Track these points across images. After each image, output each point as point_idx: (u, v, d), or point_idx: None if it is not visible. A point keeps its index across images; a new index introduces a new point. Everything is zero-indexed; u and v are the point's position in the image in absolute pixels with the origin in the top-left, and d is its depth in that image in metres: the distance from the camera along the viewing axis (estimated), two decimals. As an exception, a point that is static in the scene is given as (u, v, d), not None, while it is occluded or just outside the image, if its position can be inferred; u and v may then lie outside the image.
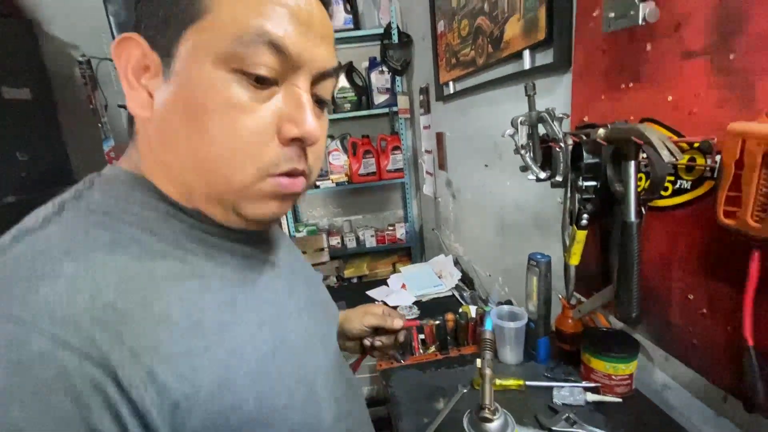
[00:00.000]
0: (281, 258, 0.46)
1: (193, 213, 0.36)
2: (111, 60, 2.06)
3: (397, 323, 0.67)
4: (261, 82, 0.32)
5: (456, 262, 1.75)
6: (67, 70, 2.29)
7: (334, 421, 0.42)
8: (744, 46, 0.51)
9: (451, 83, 1.57)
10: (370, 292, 1.58)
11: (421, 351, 1.05)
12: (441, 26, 1.59)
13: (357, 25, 2.21)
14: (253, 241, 0.41)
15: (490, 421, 0.46)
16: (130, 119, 0.37)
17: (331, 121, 2.37)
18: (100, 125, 2.08)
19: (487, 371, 0.49)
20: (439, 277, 1.65)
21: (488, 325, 0.59)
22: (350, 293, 1.67)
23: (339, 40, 2.25)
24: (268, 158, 0.33)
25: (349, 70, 2.26)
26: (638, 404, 0.74)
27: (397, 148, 2.34)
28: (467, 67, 1.37)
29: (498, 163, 1.32)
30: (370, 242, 2.52)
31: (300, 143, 0.34)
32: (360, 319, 0.67)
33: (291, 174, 0.35)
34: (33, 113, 2.13)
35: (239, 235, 0.38)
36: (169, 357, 0.29)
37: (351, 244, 2.53)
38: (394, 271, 2.06)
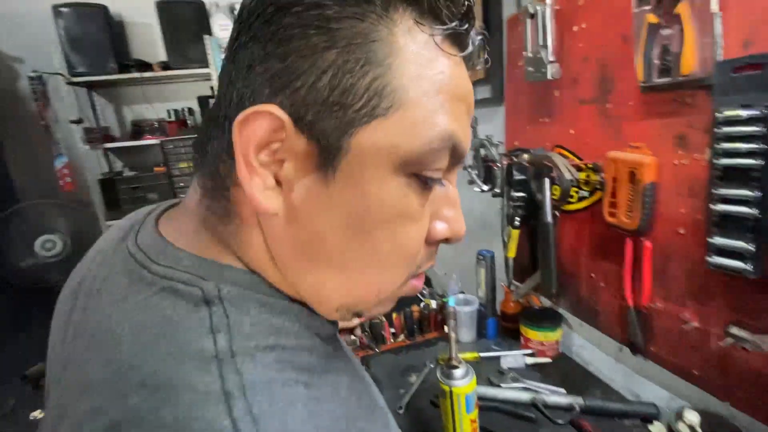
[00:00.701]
0: None
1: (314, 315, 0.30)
2: (61, 75, 2.03)
3: (355, 320, 0.77)
4: (428, 185, 0.27)
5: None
6: (10, 84, 2.20)
7: None
8: (614, 100, 0.75)
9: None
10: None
11: (392, 340, 1.21)
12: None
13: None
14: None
15: (456, 368, 0.63)
16: (211, 193, 0.28)
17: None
18: (52, 142, 2.02)
19: (452, 334, 0.67)
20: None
21: (451, 302, 0.77)
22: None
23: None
24: (417, 263, 0.30)
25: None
26: (563, 362, 0.96)
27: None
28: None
29: (449, 176, 1.53)
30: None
31: (442, 242, 0.31)
32: None
33: (420, 274, 0.32)
34: (-30, 129, 2.02)
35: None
36: None
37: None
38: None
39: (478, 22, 1.14)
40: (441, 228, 0.30)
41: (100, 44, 2.10)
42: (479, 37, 0.28)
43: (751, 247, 0.55)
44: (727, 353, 0.63)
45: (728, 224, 0.58)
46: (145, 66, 2.25)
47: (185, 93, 2.50)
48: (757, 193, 0.53)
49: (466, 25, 0.26)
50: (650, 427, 0.73)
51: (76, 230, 2.21)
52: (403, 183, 0.26)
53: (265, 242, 0.28)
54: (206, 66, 2.17)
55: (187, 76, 2.31)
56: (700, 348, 0.67)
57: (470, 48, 0.27)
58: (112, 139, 2.40)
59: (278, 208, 0.26)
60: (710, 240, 0.60)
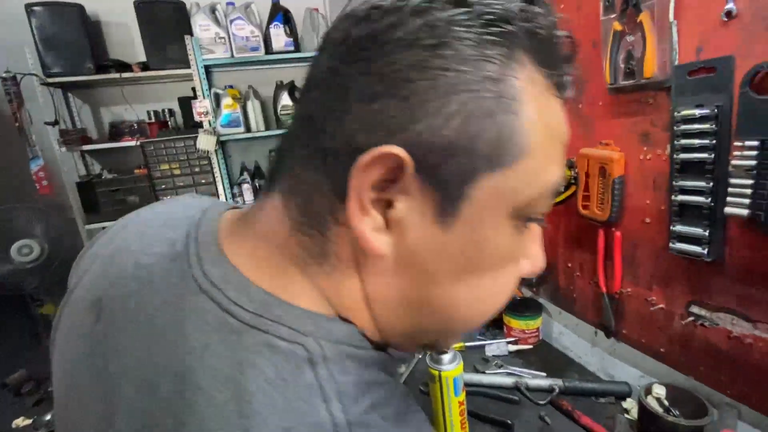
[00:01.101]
0: None
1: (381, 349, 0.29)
2: (36, 75, 1.98)
3: None
4: (527, 225, 0.27)
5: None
6: (-22, 84, 2.12)
7: None
8: (586, 100, 0.80)
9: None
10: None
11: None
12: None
13: (297, 48, 2.37)
14: None
15: (445, 353, 0.67)
16: (299, 230, 0.26)
17: (276, 136, 2.49)
18: (27, 144, 1.97)
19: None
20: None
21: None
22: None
23: (281, 61, 2.39)
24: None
25: (292, 88, 2.40)
26: (544, 348, 1.02)
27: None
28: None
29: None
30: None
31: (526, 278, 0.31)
32: None
33: None
34: (-62, 131, 1.94)
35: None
36: None
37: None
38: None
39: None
40: (525, 265, 0.29)
41: (76, 44, 2.06)
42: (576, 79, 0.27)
43: (705, 233, 0.61)
44: (688, 331, 0.69)
45: (686, 213, 0.64)
46: (124, 66, 2.22)
47: (165, 94, 2.47)
48: (710, 184, 0.59)
49: (574, 70, 0.26)
50: (623, 404, 0.79)
51: (54, 235, 2.16)
52: (514, 226, 0.26)
53: (362, 287, 0.26)
54: (187, 66, 2.15)
55: (167, 77, 2.29)
56: (665, 327, 0.73)
57: (571, 89, 0.27)
58: (90, 141, 2.35)
59: (388, 249, 0.25)
60: (672, 228, 0.66)
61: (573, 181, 0.85)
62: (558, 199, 0.91)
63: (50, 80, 2.05)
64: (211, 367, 0.23)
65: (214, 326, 0.24)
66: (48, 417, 1.26)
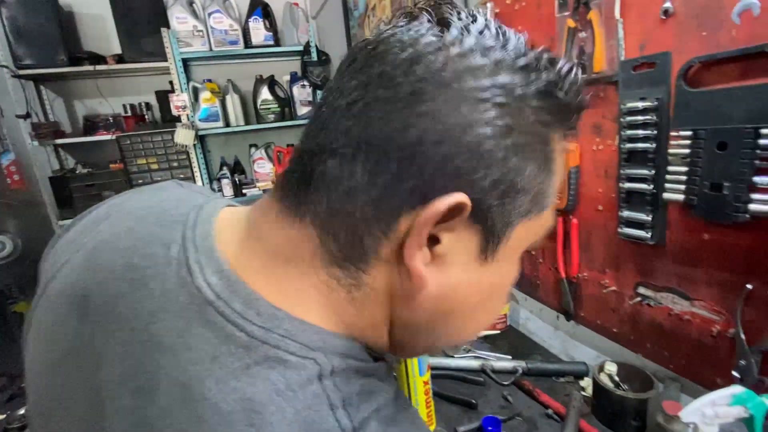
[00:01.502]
0: None
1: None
2: (6, 67, 1.93)
3: None
4: None
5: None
6: (-56, 76, 2.06)
7: None
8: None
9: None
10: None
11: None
12: (356, 51, 1.85)
13: (277, 42, 2.36)
14: None
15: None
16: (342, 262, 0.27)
17: (256, 130, 2.48)
18: (-3, 137, 1.92)
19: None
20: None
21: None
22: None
23: (260, 55, 2.38)
24: None
25: (272, 83, 2.40)
26: (511, 334, 1.06)
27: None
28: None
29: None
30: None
31: None
32: None
33: None
34: None
35: None
36: None
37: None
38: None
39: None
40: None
41: (48, 36, 2.01)
42: None
43: (648, 218, 0.65)
44: (636, 311, 0.73)
45: (633, 200, 0.68)
46: (98, 59, 2.18)
47: (142, 87, 2.43)
48: (652, 172, 0.63)
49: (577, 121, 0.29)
50: (581, 383, 0.84)
51: (27, 230, 2.12)
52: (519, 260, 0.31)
53: (387, 314, 0.29)
54: (164, 59, 2.13)
55: (143, 70, 2.26)
56: (617, 309, 0.78)
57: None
58: (63, 135, 2.30)
59: (435, 282, 0.27)
60: (620, 214, 0.70)
61: (535, 172, 0.89)
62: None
63: (21, 72, 2.01)
64: (218, 378, 0.24)
65: (221, 339, 0.25)
66: (21, 411, 1.25)
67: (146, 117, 2.43)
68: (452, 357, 0.96)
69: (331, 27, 2.20)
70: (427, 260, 0.26)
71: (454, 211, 0.24)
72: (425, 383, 0.74)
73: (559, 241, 0.85)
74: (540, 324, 1.02)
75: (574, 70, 0.26)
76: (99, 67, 2.15)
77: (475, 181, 0.24)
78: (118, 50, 2.19)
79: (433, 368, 0.77)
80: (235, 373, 0.24)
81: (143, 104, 2.43)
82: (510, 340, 1.04)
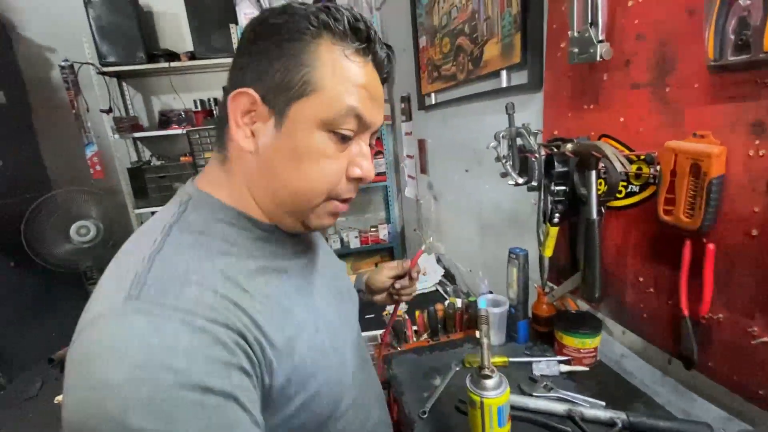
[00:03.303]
0: (320, 256, 0.60)
1: (266, 227, 0.48)
2: (92, 64, 2.06)
3: (407, 264, 0.83)
4: (343, 139, 0.45)
5: (438, 260, 1.87)
6: (43, 73, 2.26)
7: (354, 381, 0.55)
8: (675, 82, 0.66)
9: (432, 94, 1.70)
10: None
11: (414, 339, 1.16)
12: (423, 41, 1.72)
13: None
14: (303, 245, 0.55)
15: (489, 378, 0.58)
16: (221, 146, 0.48)
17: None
18: (82, 130, 2.06)
19: (485, 340, 0.61)
20: (423, 274, 1.77)
21: (482, 305, 0.71)
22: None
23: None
24: (338, 189, 0.47)
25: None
26: (602, 372, 0.88)
27: (379, 153, 2.45)
28: (448, 81, 1.51)
29: (477, 169, 1.45)
30: (354, 243, 2.61)
31: (359, 181, 0.48)
32: (381, 275, 0.83)
33: (346, 200, 0.49)
34: (7, 117, 2.09)
35: (295, 243, 0.52)
36: (264, 325, 0.42)
37: (335, 245, 2.62)
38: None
39: (514, 8, 1.05)
40: (355, 170, 0.47)
41: (129, 34, 2.12)
42: (384, 53, 0.47)
43: None
44: (806, 375, 0.54)
45: (818, 226, 0.49)
46: (173, 56, 2.26)
47: (211, 83, 2.51)
48: None
49: (365, 45, 0.45)
50: (704, 449, 0.65)
51: (107, 217, 2.27)
52: (324, 136, 0.44)
53: (242, 175, 0.46)
54: (232, 55, 2.15)
55: (212, 66, 2.31)
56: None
57: (376, 57, 0.46)
58: (141, 129, 2.44)
59: (252, 148, 0.45)
60: (793, 244, 0.51)
61: (652, 180, 0.71)
62: (630, 201, 0.77)
63: (105, 69, 2.14)
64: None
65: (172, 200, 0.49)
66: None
67: (214, 112, 2.50)
68: (530, 395, 0.81)
69: (396, 18, 2.09)
70: (248, 135, 0.45)
71: (253, 102, 0.43)
72: (505, 436, 0.61)
73: (685, 269, 0.67)
74: (642, 365, 0.83)
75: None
76: (173, 64, 2.23)
77: (261, 80, 0.43)
78: (190, 47, 2.26)
79: (511, 407, 0.64)
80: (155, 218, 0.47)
81: (212, 99, 2.50)
82: (600, 379, 0.86)
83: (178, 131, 2.33)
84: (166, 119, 2.47)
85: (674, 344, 0.74)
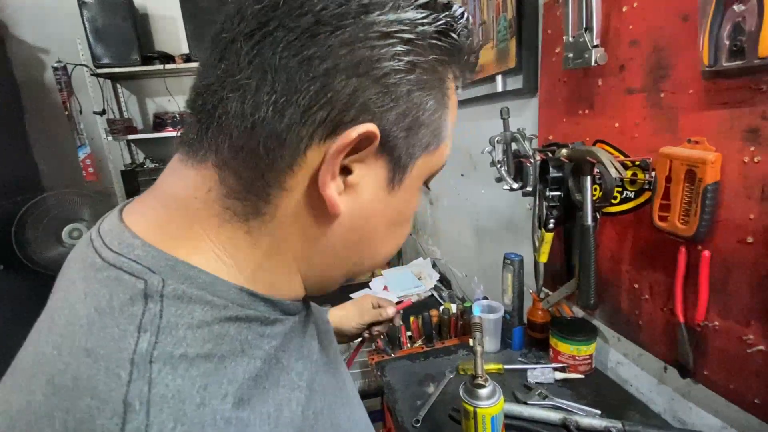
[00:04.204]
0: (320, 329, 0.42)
1: (291, 309, 0.32)
2: (86, 66, 2.04)
3: (390, 311, 0.75)
4: None
5: (434, 265, 1.86)
6: (36, 75, 2.24)
7: None
8: (670, 88, 0.66)
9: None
10: (353, 295, 1.66)
11: (409, 345, 1.15)
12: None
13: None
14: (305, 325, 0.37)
15: (482, 387, 0.57)
16: (239, 198, 0.27)
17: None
18: (75, 132, 2.04)
19: (478, 348, 0.60)
20: (419, 279, 1.76)
21: (476, 312, 0.70)
22: (334, 296, 1.74)
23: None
24: None
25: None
26: (597, 379, 0.87)
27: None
28: (444, 85, 1.50)
29: (473, 174, 1.45)
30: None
31: None
32: (356, 319, 0.74)
33: None
34: None
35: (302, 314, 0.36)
36: None
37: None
38: (374, 274, 2.15)
39: (509, 13, 1.04)
40: None
41: (124, 36, 2.11)
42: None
43: None
44: (803, 384, 0.54)
45: (814, 234, 0.48)
46: (168, 58, 2.25)
47: (206, 86, 2.50)
48: None
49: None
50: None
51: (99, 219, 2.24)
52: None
53: (297, 248, 0.30)
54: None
55: (208, 69, 2.30)
56: (764, 374, 0.58)
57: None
58: (135, 131, 2.42)
59: (345, 209, 0.28)
60: (788, 251, 0.51)
61: (647, 186, 0.71)
62: (625, 207, 0.77)
63: (99, 71, 2.12)
64: (67, 298, 0.25)
65: (85, 266, 0.26)
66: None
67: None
68: (525, 403, 0.80)
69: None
70: (341, 189, 0.28)
71: (364, 141, 0.26)
72: (499, 446, 0.60)
73: (680, 276, 0.66)
74: (637, 372, 0.83)
75: (466, 14, 0.29)
76: (168, 66, 2.22)
77: (383, 113, 0.26)
78: (186, 49, 2.25)
79: (505, 416, 0.63)
80: (80, 293, 0.25)
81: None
82: (595, 387, 0.85)
83: (173, 134, 2.32)
84: (160, 122, 2.45)
85: (670, 352, 0.73)
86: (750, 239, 0.57)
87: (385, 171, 0.29)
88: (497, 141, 0.89)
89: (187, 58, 2.24)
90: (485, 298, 1.26)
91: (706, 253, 0.62)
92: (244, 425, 0.23)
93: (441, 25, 0.27)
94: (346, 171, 0.27)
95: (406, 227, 0.35)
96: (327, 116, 0.25)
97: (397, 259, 2.69)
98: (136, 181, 2.30)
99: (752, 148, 0.55)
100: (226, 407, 0.23)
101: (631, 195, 0.75)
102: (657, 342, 0.76)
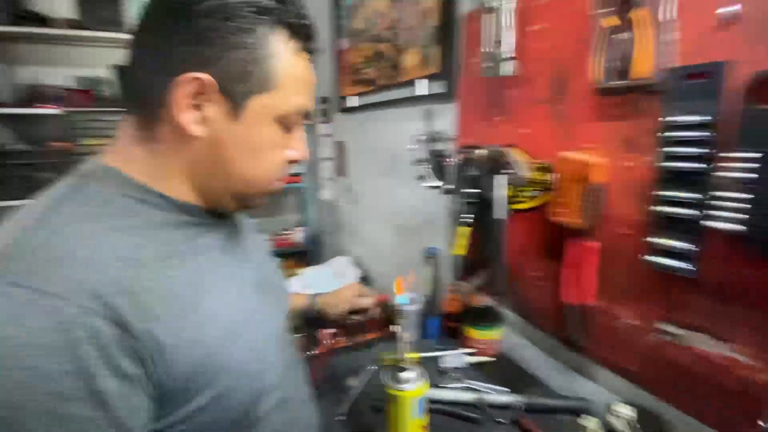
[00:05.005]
0: (247, 244, 0.56)
1: (185, 207, 0.45)
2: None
3: (366, 302, 0.84)
4: (288, 129, 0.47)
5: (355, 262, 1.87)
6: None
7: (279, 380, 0.51)
8: (568, 101, 0.76)
9: (352, 97, 1.71)
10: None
11: (329, 341, 1.13)
12: (345, 43, 1.72)
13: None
14: (226, 229, 0.52)
15: (406, 370, 0.59)
16: (146, 125, 0.43)
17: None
18: None
19: (404, 334, 0.62)
20: (340, 277, 1.75)
21: (402, 300, 0.72)
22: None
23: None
24: (282, 171, 0.49)
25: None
26: (504, 361, 0.96)
27: (295, 152, 2.37)
28: (368, 85, 1.53)
29: (394, 173, 1.49)
30: (265, 246, 2.48)
31: (295, 162, 0.50)
32: (339, 305, 0.83)
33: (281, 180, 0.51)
34: None
35: (217, 226, 0.49)
36: (163, 314, 0.38)
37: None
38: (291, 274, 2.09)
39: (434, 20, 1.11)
40: (293, 153, 0.49)
41: (-14, -13, 1.74)
42: (317, 46, 0.48)
43: (692, 248, 0.57)
44: (659, 349, 0.66)
45: (671, 225, 0.60)
46: (43, 20, 1.91)
47: (96, 58, 2.17)
48: (700, 196, 0.55)
49: (315, 41, 0.47)
50: (583, 421, 0.75)
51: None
52: (277, 129, 0.45)
53: (180, 158, 0.44)
54: (120, 30, 1.90)
55: (98, 39, 2.01)
56: (635, 345, 0.70)
57: (315, 53, 0.48)
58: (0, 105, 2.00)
59: (203, 134, 0.42)
60: (652, 240, 0.62)
61: (549, 186, 0.81)
62: (531, 205, 0.86)
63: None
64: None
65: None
66: None
67: (98, 93, 2.16)
68: (443, 388, 0.85)
69: (315, 18, 2.06)
70: (198, 120, 0.41)
71: (204, 86, 0.40)
72: (423, 428, 0.62)
73: (570, 264, 0.76)
74: (536, 352, 0.93)
75: None
76: (49, 31, 1.89)
77: (216, 65, 0.40)
78: (70, 14, 1.94)
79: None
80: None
81: (98, 78, 2.17)
82: (503, 368, 0.94)
83: (53, 110, 1.97)
84: (35, 95, 2.06)
85: (562, 331, 0.84)
86: (625, 231, 0.69)
87: (226, 106, 0.42)
88: (420, 140, 0.94)
89: (77, 25, 1.93)
90: (405, 292, 1.30)
91: (591, 243, 0.73)
92: (112, 231, 0.39)
93: (259, 3, 0.40)
94: (201, 108, 0.41)
95: (270, 157, 0.46)
96: (176, 70, 0.40)
97: (318, 258, 2.65)
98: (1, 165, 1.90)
99: (629, 154, 0.67)
100: (100, 225, 0.39)
101: (537, 194, 0.84)
102: (552, 323, 0.87)
